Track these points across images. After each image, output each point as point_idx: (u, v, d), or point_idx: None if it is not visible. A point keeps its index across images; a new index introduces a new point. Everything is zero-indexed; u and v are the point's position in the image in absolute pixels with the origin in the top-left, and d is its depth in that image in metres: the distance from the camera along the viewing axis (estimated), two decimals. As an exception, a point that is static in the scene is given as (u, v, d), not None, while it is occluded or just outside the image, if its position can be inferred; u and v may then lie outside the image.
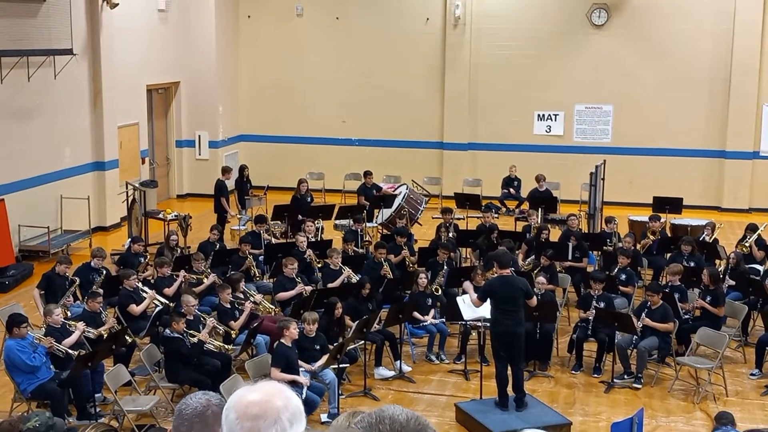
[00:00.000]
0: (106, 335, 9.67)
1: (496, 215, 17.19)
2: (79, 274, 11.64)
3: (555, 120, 20.24)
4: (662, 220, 14.82)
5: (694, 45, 19.31)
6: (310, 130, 21.32)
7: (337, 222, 15.94)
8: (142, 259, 12.70)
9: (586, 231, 15.15)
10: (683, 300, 11.14)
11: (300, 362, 9.25)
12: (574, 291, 12.77)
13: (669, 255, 13.38)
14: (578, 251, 13.23)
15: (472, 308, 9.94)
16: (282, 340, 9.10)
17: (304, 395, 8.64)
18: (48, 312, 9.50)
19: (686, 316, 11.01)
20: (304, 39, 21.02)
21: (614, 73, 19.75)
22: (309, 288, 11.63)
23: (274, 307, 11.16)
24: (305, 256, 12.73)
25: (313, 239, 13.88)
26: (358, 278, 11.64)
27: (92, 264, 11.84)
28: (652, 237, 13.93)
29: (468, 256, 14.64)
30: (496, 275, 9.50)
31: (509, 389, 9.28)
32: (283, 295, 11.43)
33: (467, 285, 9.72)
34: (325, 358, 9.35)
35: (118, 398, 8.78)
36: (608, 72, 19.77)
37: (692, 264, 12.39)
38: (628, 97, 19.79)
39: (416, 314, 11.08)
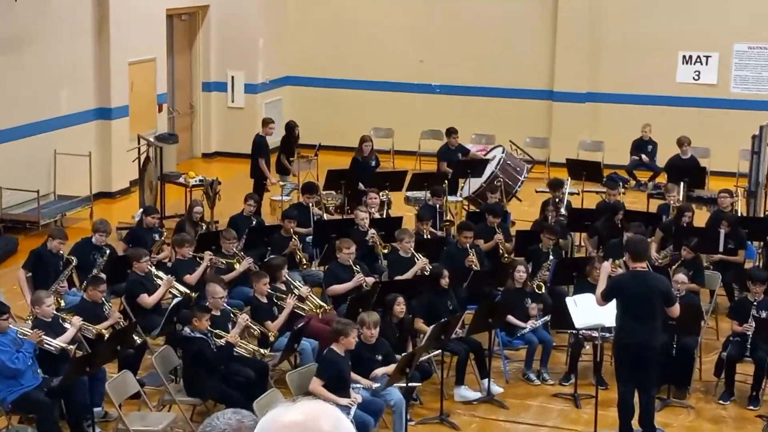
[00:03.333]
0: (109, 333, 9.85)
1: (623, 190, 16.94)
2: (77, 253, 11.86)
3: (706, 64, 19.81)
4: None
5: None
6: (377, 72, 21.29)
7: (410, 194, 15.91)
8: (157, 236, 12.88)
9: (744, 214, 14.84)
10: None
11: (356, 377, 9.31)
12: (726, 294, 12.55)
13: None
14: (732, 241, 12.97)
15: (588, 311, 9.83)
16: (334, 347, 9.15)
17: (351, 414, 8.70)
18: (36, 300, 9.73)
19: None
20: (372, -49, 21.02)
21: (789, 1, 19.22)
22: (370, 280, 11.64)
23: (324, 304, 11.22)
24: (367, 237, 12.74)
25: (377, 216, 13.87)
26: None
27: (93, 240, 12.05)
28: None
29: (582, 244, 14.47)
30: (623, 270, 9.39)
31: (635, 422, 9.18)
32: (337, 288, 11.49)
33: (605, 266, 9.53)
34: (389, 369, 9.39)
35: (123, 414, 8.96)
36: (781, 0, 19.26)
37: None
38: (807, 34, 19.26)
39: (511, 318, 11.03)
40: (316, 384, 8.96)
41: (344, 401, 8.81)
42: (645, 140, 18.97)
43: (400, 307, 10.29)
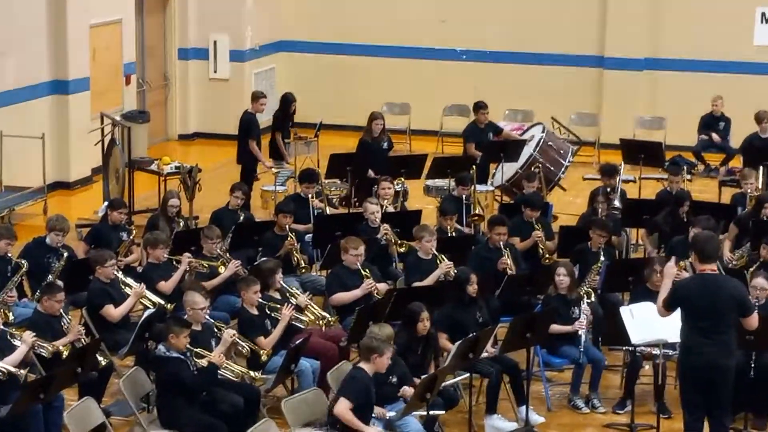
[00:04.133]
0: (67, 352, 9.88)
1: (689, 176, 16.90)
2: (29, 256, 11.88)
3: (790, 22, 19.81)
4: None
5: None
6: (389, 35, 21.28)
7: (431, 183, 15.92)
8: (125, 235, 12.91)
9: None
10: None
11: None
12: (815, 303, 12.53)
13: None
14: (823, 238, 12.94)
15: (647, 324, 9.81)
16: (364, 366, 9.16)
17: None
18: (-20, 313, 9.76)
19: None
20: None
21: None
22: (383, 286, 11.65)
23: (327, 315, 11.24)
24: (378, 236, 12.75)
25: (391, 209, 13.87)
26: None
27: (48, 241, 12.07)
28: None
29: (640, 242, 14.47)
30: (689, 273, 9.36)
31: (704, 458, 9.18)
32: (343, 296, 11.49)
33: (669, 268, 9.46)
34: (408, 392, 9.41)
35: (85, 450, 8.98)
36: None
37: None
38: None
39: (557, 326, 10.97)
40: (343, 407, 8.90)
41: (368, 430, 8.85)
42: (716, 116, 18.92)
43: (424, 324, 10.22)
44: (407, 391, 9.53)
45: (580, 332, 10.97)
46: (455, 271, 11.60)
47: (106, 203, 14.37)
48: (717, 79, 19.71)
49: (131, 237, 12.95)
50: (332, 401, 9.15)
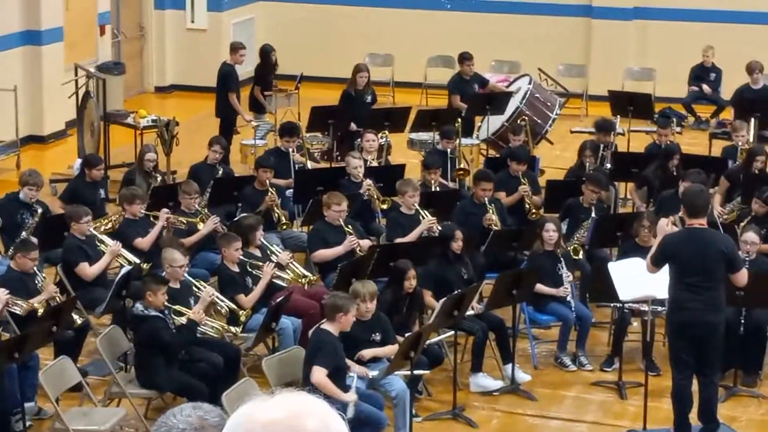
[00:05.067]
0: (42, 310, 9.88)
1: (679, 129, 16.92)
2: (2, 213, 11.89)
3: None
4: None
5: None
6: (373, -17, 21.20)
7: (414, 136, 15.90)
8: (102, 192, 12.88)
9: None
10: None
11: (348, 362, 9.36)
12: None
13: None
14: (815, 192, 12.98)
15: (636, 280, 9.85)
16: (328, 326, 9.19)
17: (351, 413, 8.76)
18: (-48, 271, 9.75)
19: None
20: None
21: None
22: (365, 243, 11.68)
23: (309, 273, 11.25)
24: (361, 190, 12.76)
25: (374, 163, 13.87)
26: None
27: (21, 196, 12.05)
28: None
29: (629, 197, 14.50)
30: (679, 227, 9.40)
31: (693, 416, 9.24)
32: (325, 253, 11.52)
33: (661, 225, 9.50)
34: (380, 352, 9.42)
35: (61, 410, 8.99)
36: None
37: None
38: None
39: (541, 287, 11.04)
40: (320, 374, 8.93)
41: (350, 397, 8.88)
42: (707, 67, 18.89)
43: (410, 282, 10.26)
44: (365, 354, 9.53)
45: (568, 298, 11.01)
46: (439, 227, 11.63)
47: (80, 160, 14.32)
48: (708, 29, 19.66)
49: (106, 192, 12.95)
50: (305, 368, 9.16)
